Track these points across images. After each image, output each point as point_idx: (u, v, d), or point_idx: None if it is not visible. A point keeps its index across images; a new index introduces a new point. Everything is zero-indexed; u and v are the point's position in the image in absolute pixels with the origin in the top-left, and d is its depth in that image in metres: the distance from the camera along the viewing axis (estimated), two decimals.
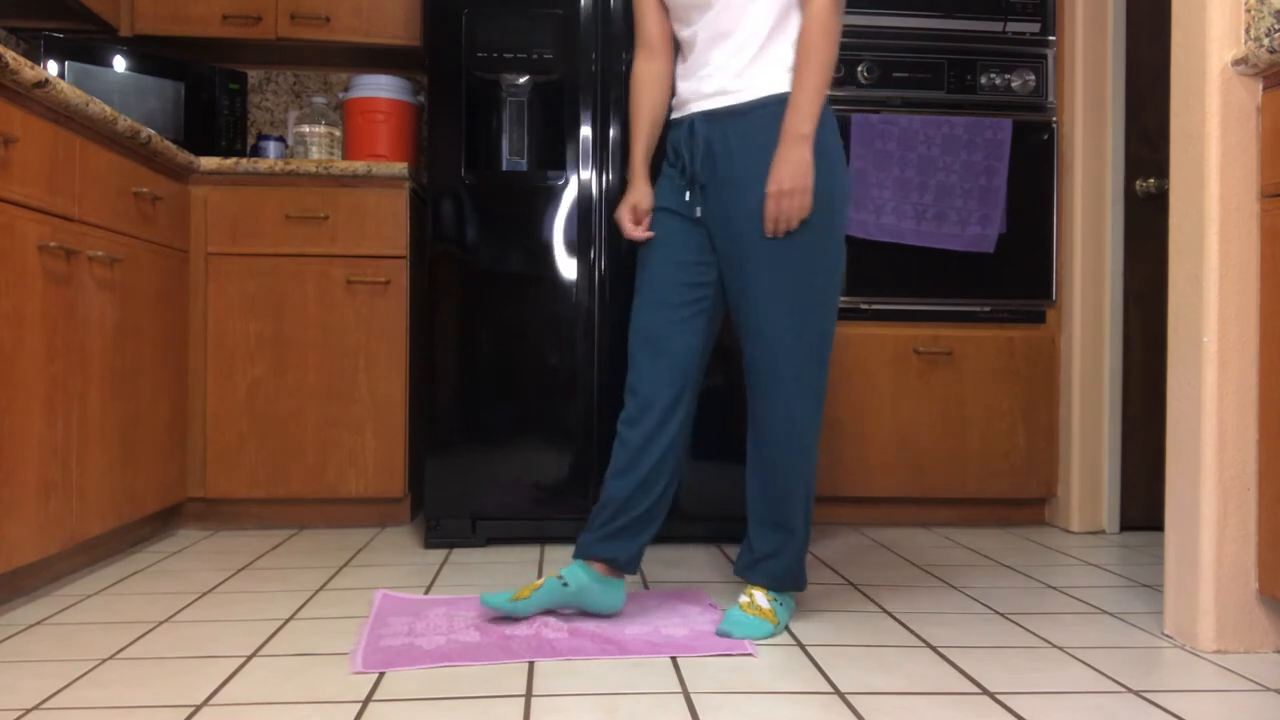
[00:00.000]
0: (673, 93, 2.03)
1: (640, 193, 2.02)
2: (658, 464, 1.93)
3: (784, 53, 1.87)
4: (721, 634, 1.84)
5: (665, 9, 2.02)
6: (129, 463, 2.47)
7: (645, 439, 1.93)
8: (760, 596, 1.91)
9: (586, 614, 1.95)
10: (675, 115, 2.00)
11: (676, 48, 2.04)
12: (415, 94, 3.25)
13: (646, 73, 2.05)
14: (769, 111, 1.85)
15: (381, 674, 1.62)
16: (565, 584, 1.91)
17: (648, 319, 1.95)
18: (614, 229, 2.69)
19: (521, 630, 1.85)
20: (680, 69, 2.00)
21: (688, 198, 1.94)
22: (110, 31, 3.13)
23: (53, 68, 2.88)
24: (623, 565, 1.96)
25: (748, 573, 1.97)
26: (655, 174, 2.05)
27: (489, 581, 2.29)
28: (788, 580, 1.95)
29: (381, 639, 1.79)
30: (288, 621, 1.94)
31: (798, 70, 1.82)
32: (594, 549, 1.95)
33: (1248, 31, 1.80)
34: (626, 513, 1.94)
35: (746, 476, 1.96)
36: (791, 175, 1.79)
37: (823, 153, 1.83)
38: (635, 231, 2.01)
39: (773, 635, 1.86)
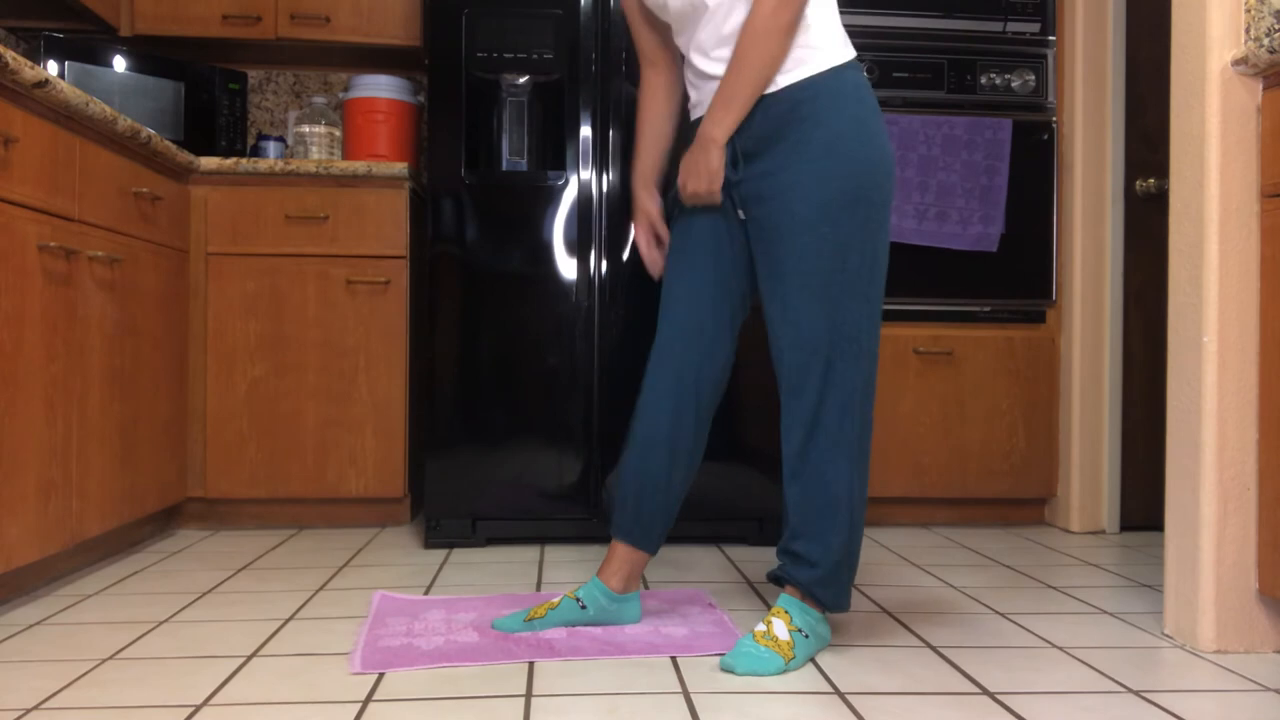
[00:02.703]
0: (686, 98, 1.97)
1: (647, 205, 1.99)
2: (692, 459, 1.90)
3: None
4: (724, 669, 1.65)
5: (654, 24, 1.96)
6: (129, 463, 2.47)
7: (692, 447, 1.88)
8: (780, 626, 1.70)
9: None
10: (695, 116, 1.92)
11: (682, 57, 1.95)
12: (415, 94, 3.25)
13: (649, 84, 2.02)
14: (793, 97, 1.74)
15: (381, 674, 1.62)
16: (583, 607, 1.87)
17: (683, 351, 1.87)
18: (614, 229, 2.69)
19: (520, 631, 1.85)
20: (688, 75, 1.93)
21: (735, 170, 1.80)
22: (110, 31, 3.13)
23: (53, 68, 2.88)
24: (652, 552, 1.92)
25: (782, 566, 1.79)
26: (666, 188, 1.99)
27: (489, 581, 2.29)
28: (815, 587, 1.74)
29: (380, 639, 1.79)
30: (288, 621, 1.94)
31: (725, 71, 1.75)
32: (640, 541, 1.89)
33: (1248, 31, 1.79)
34: (669, 496, 1.88)
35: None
36: (691, 176, 1.77)
37: (862, 121, 1.73)
38: (652, 252, 1.97)
39: (785, 672, 1.65)
